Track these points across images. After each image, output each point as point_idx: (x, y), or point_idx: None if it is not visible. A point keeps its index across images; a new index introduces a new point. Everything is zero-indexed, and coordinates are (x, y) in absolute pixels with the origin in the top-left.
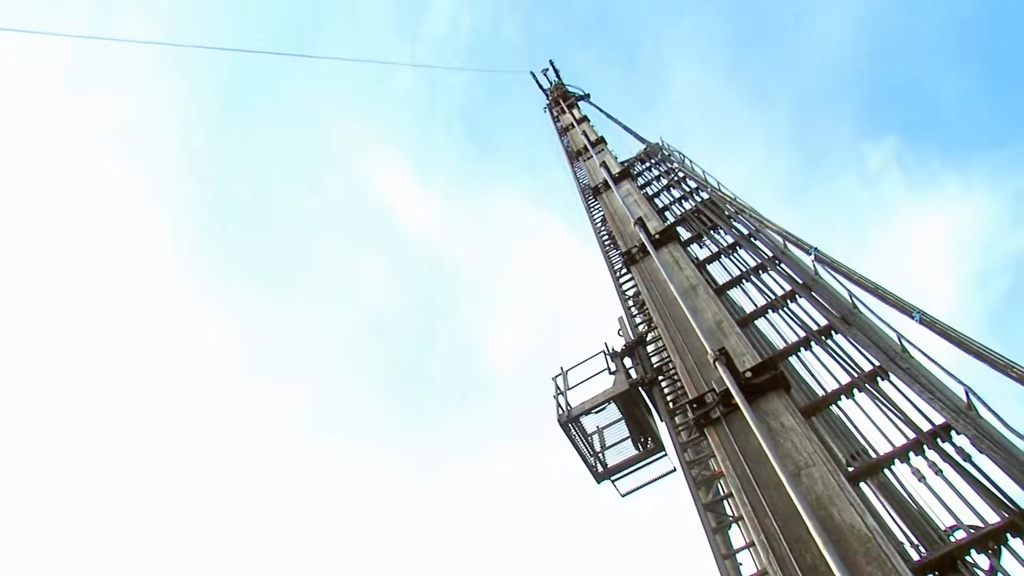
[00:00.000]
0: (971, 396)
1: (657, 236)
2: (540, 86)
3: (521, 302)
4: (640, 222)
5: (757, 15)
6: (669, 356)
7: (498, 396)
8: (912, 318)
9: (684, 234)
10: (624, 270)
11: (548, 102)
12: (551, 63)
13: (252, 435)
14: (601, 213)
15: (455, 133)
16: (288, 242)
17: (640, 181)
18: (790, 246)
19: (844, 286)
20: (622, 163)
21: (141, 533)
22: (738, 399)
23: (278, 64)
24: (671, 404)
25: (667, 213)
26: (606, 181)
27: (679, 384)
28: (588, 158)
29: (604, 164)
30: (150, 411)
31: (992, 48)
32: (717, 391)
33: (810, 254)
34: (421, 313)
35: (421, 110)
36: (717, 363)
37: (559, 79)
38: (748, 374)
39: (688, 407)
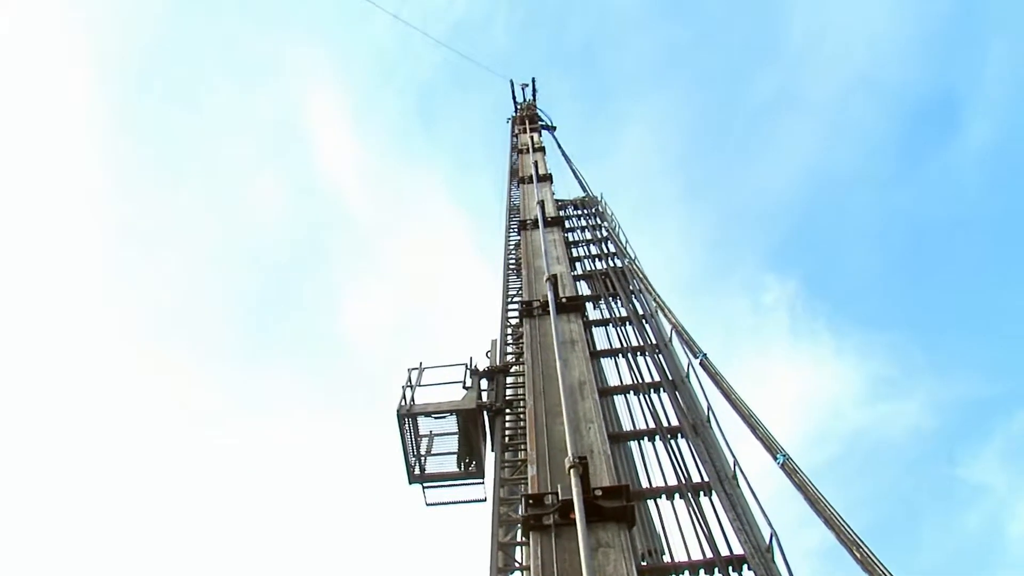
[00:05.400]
0: (774, 540)
1: (564, 300)
2: (514, 97)
3: (403, 282)
4: (553, 280)
5: (724, 120)
6: (524, 395)
7: (344, 359)
8: (775, 460)
9: (584, 288)
10: (514, 295)
11: (515, 115)
12: (532, 81)
13: (94, 315)
14: (517, 239)
15: (406, 102)
16: (200, 131)
17: (567, 224)
18: (675, 340)
19: (707, 398)
20: (558, 201)
21: None
22: (579, 524)
23: None
24: (506, 439)
25: (578, 264)
26: (536, 220)
27: (522, 423)
28: (529, 182)
29: (542, 203)
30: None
31: (909, 245)
32: (560, 497)
33: (697, 357)
34: (300, 251)
35: (384, 67)
36: (572, 471)
37: (534, 99)
38: (599, 492)
39: (523, 501)
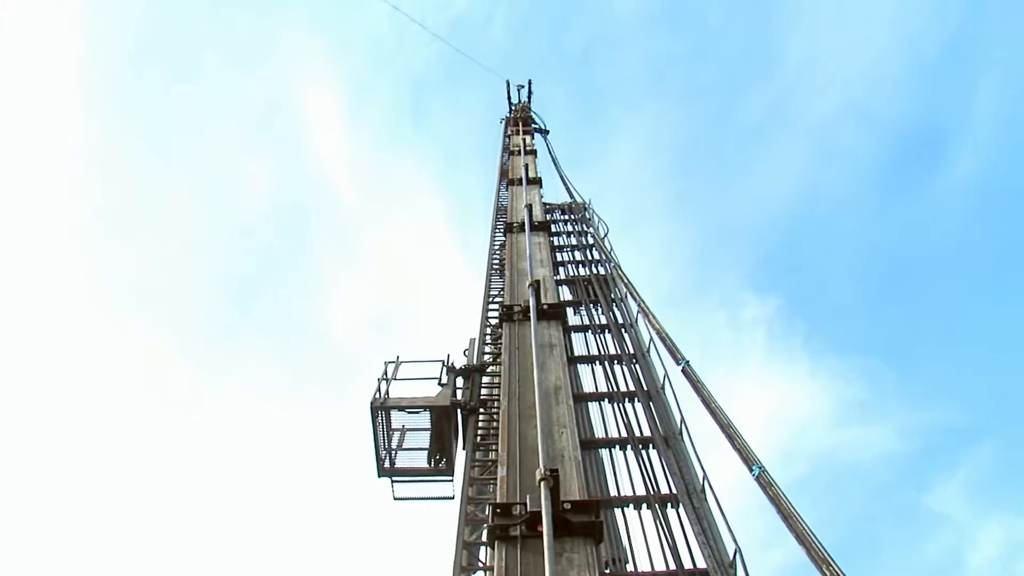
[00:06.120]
0: (738, 556)
1: (546, 307)
2: (509, 97)
3: (385, 274)
4: (535, 285)
5: (715, 135)
6: (499, 396)
7: (322, 348)
8: (751, 471)
9: (566, 293)
10: (496, 295)
11: (508, 116)
12: (529, 83)
13: (75, 297)
14: (503, 240)
15: (400, 94)
16: (193, 109)
17: (553, 228)
18: (654, 349)
19: (679, 411)
20: (546, 204)
21: None
22: (546, 541)
23: None
24: (478, 438)
25: (562, 268)
26: (523, 223)
27: (495, 423)
28: (518, 184)
29: (530, 207)
30: None
31: (889, 272)
32: (528, 509)
33: (680, 363)
34: (284, 237)
35: (379, 57)
36: (542, 483)
37: (529, 101)
38: (568, 505)
39: (490, 509)
